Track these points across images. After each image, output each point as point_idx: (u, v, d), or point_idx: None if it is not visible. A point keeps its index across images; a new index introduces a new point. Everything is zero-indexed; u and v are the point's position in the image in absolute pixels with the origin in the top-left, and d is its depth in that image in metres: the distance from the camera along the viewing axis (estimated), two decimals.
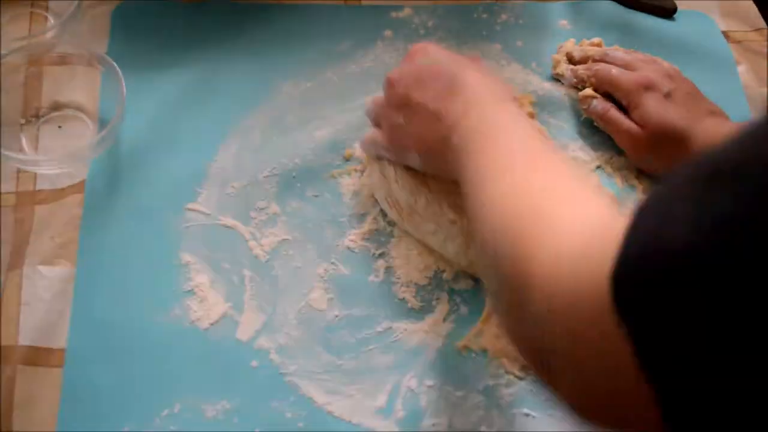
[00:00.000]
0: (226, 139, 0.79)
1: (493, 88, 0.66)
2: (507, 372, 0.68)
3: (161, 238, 0.73)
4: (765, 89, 0.86)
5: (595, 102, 0.81)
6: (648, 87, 0.77)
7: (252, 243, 0.74)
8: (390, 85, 0.71)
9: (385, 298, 0.72)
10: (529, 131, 0.61)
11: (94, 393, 0.66)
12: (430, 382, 0.68)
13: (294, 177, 0.77)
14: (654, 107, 0.76)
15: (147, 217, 0.74)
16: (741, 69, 0.87)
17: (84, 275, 0.71)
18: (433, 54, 0.71)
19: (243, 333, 0.69)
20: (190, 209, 0.75)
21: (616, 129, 0.79)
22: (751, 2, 0.91)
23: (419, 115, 0.67)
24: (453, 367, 0.69)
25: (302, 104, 0.81)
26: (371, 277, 0.73)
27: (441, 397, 0.68)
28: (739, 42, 0.89)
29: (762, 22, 0.90)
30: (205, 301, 0.70)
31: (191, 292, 0.71)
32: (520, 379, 0.68)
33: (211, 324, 0.69)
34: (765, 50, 0.88)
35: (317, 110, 0.81)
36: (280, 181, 0.77)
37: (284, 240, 0.74)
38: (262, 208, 0.75)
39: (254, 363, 0.68)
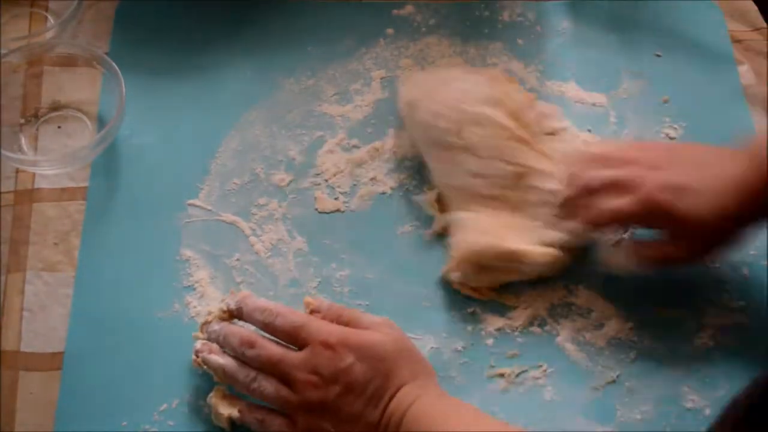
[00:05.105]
0: (228, 136, 0.79)
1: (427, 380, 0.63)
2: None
3: (162, 234, 0.73)
4: (765, 89, 0.86)
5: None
6: (673, 188, 0.64)
7: (252, 239, 0.73)
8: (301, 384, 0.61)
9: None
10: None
11: (93, 389, 0.65)
12: None
13: (294, 174, 0.77)
14: (694, 205, 0.63)
15: (148, 213, 0.74)
16: (741, 69, 0.87)
17: (85, 272, 0.70)
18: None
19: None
20: (191, 205, 0.75)
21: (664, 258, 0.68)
22: (751, 2, 0.91)
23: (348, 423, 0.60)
24: (450, 374, 0.68)
25: (304, 101, 0.81)
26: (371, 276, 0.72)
27: None
28: (739, 41, 0.89)
29: (762, 22, 0.91)
30: (205, 297, 0.70)
31: (191, 288, 0.70)
32: (516, 384, 0.68)
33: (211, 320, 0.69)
34: (765, 50, 0.88)
35: (319, 107, 0.81)
36: (281, 178, 0.77)
37: (284, 237, 0.74)
38: (263, 205, 0.75)
39: None
